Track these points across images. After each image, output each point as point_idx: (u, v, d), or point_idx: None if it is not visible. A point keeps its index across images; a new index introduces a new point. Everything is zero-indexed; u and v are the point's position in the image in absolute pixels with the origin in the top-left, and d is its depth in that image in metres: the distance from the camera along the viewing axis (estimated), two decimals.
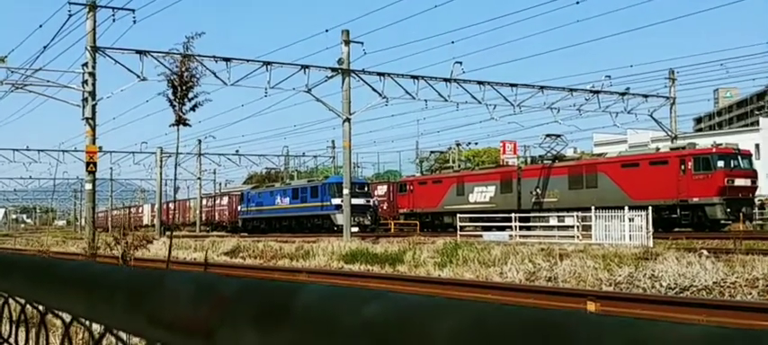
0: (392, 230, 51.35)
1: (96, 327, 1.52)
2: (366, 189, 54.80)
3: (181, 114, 13.28)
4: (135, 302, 1.25)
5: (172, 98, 13.34)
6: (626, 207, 28.06)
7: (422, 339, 0.66)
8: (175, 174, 22.65)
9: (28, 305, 1.94)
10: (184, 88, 13.28)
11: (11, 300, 2.07)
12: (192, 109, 13.57)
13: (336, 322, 0.77)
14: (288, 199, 58.11)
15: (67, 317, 1.66)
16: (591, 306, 11.81)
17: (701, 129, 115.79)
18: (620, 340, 0.53)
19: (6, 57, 34.31)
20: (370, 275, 19.70)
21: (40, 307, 1.84)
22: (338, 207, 49.09)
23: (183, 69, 13.43)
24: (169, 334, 1.12)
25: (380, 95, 38.29)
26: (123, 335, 1.40)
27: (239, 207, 66.55)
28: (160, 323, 1.14)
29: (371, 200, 53.79)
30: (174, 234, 23.20)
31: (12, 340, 2.06)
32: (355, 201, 49.15)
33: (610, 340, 0.53)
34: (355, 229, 48.27)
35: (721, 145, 36.62)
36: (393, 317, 0.71)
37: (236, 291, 0.97)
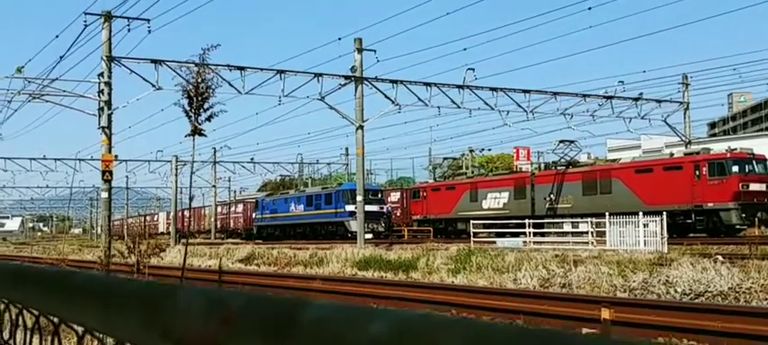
0: (405, 236, 51.30)
1: (109, 340, 1.54)
2: (380, 195, 54.82)
3: (196, 124, 13.33)
4: (148, 316, 1.26)
5: (187, 108, 13.40)
6: (640, 213, 27.93)
7: None
8: (191, 183, 22.85)
9: (42, 317, 1.96)
10: (200, 99, 13.34)
11: (25, 312, 2.09)
12: (208, 119, 13.63)
13: (342, 338, 0.78)
14: (302, 206, 58.21)
15: (81, 329, 1.68)
16: (605, 313, 11.76)
17: (715, 134, 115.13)
18: None
19: (23, 67, 34.58)
20: (384, 282, 19.71)
21: (55, 319, 1.86)
22: (352, 214, 49.00)
23: (200, 80, 13.49)
24: None
25: (393, 102, 38.33)
26: None
27: (254, 215, 66.69)
28: (172, 338, 1.15)
29: (385, 207, 53.76)
30: (190, 241, 23.32)
31: None
32: (369, 208, 49.12)
33: None
34: (369, 236, 48.26)
35: (736, 149, 36.39)
36: (398, 334, 0.72)
37: (244, 305, 0.99)
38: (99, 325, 1.52)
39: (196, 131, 13.18)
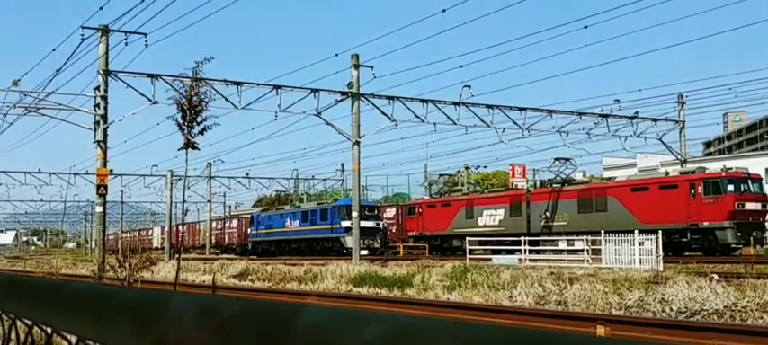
0: (401, 253, 51.21)
1: None
2: (376, 211, 54.74)
3: (189, 137, 13.33)
4: (141, 324, 1.25)
5: (180, 122, 13.40)
6: (636, 231, 27.95)
7: None
8: (184, 197, 22.82)
9: (35, 327, 1.95)
10: (193, 112, 13.35)
11: (18, 322, 2.08)
12: (201, 132, 13.64)
13: (337, 343, 0.77)
14: (297, 221, 58.12)
15: (74, 339, 1.67)
16: (600, 331, 11.74)
17: (710, 153, 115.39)
18: None
19: (20, 80, 34.57)
20: (379, 298, 19.64)
21: (48, 329, 1.85)
22: (348, 229, 48.86)
23: (193, 93, 13.50)
24: None
25: (390, 118, 38.38)
26: None
27: (249, 230, 66.59)
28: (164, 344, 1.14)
29: (381, 223, 53.66)
30: (184, 256, 23.28)
31: None
32: (365, 224, 49.01)
33: None
34: (365, 252, 48.12)
35: (731, 169, 36.49)
36: (392, 338, 0.71)
37: (237, 313, 0.98)
38: (92, 334, 1.51)
39: (189, 144, 13.18)
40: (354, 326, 0.76)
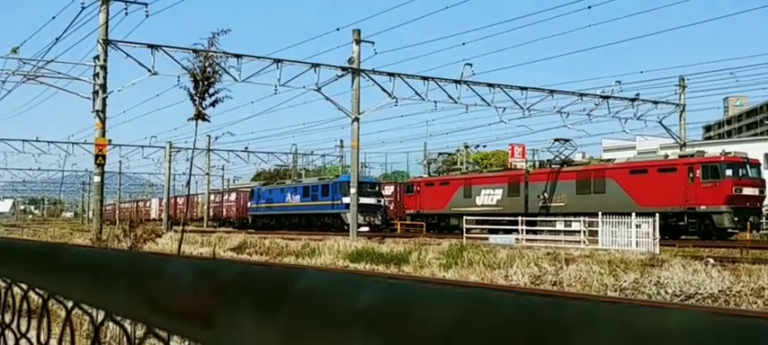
0: (398, 230, 51.29)
1: (99, 314, 1.52)
2: (377, 188, 54.61)
3: (200, 109, 13.29)
4: (136, 287, 1.25)
5: (192, 92, 13.36)
6: (633, 214, 27.99)
7: (418, 324, 0.66)
8: (191, 169, 22.92)
9: (31, 292, 1.95)
10: (206, 83, 13.30)
11: (14, 286, 2.08)
12: (212, 104, 13.61)
13: (333, 307, 0.77)
14: (298, 196, 57.92)
15: (70, 303, 1.66)
16: None
17: (710, 137, 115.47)
18: (614, 326, 0.53)
19: (18, 48, 34.47)
20: (375, 274, 19.70)
21: (44, 293, 1.84)
22: (349, 206, 48.91)
23: (207, 64, 13.45)
24: (169, 320, 1.12)
25: (390, 95, 38.31)
26: (125, 322, 1.40)
27: (249, 204, 66.35)
28: (160, 309, 1.14)
29: (382, 200, 53.51)
30: (180, 229, 23.23)
31: (14, 326, 2.07)
32: (366, 201, 48.97)
33: (604, 326, 0.53)
34: (365, 229, 48.12)
35: (730, 153, 36.49)
36: (389, 303, 0.71)
37: (235, 277, 0.98)
38: (88, 298, 1.50)
39: (200, 116, 13.14)
40: (352, 290, 0.76)
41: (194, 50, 14.89)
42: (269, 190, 63.87)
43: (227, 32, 14.43)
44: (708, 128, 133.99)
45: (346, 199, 49.28)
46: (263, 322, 0.86)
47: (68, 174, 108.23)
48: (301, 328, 0.80)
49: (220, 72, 14.01)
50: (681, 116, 47.18)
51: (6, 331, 2.10)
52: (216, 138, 72.31)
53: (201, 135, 72.11)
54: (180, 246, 13.02)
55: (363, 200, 49.85)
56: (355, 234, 35.59)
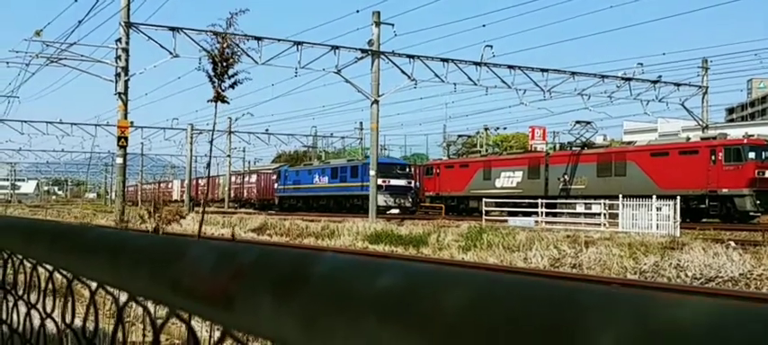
0: (417, 212, 51.25)
1: (122, 295, 1.55)
2: (408, 169, 53.55)
3: (220, 90, 13.35)
4: (159, 270, 1.27)
5: (211, 74, 13.42)
6: (654, 196, 27.84)
7: (434, 308, 0.67)
8: (211, 150, 23.15)
9: (56, 273, 1.98)
10: (225, 65, 13.35)
11: (39, 267, 2.11)
12: (232, 86, 13.66)
13: (351, 291, 0.78)
14: (327, 178, 56.93)
15: (93, 285, 1.70)
16: None
17: (732, 120, 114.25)
18: (631, 314, 0.53)
19: (42, 30, 34.74)
20: (394, 256, 19.77)
21: (68, 274, 1.88)
22: (378, 187, 48.52)
23: (225, 46, 13.49)
24: (191, 302, 1.14)
25: (409, 77, 38.26)
26: (147, 303, 1.43)
27: (275, 185, 65.84)
28: (182, 291, 1.16)
29: (412, 182, 52.60)
30: (201, 210, 23.40)
31: (40, 306, 2.11)
32: (396, 182, 48.83)
33: (622, 312, 0.53)
34: (396, 211, 48.04)
35: (753, 136, 36.16)
36: (406, 287, 0.72)
37: (255, 259, 0.99)
38: (111, 279, 1.53)
39: (219, 97, 13.20)
40: (370, 274, 0.77)
41: (214, 33, 14.95)
42: (296, 171, 63.07)
43: (246, 12, 14.46)
44: (730, 111, 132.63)
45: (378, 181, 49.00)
46: (281, 305, 0.88)
47: (92, 155, 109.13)
48: (318, 311, 0.81)
49: (239, 53, 14.04)
50: (703, 98, 46.77)
51: (32, 311, 2.14)
52: (235, 120, 72.61)
53: (222, 117, 72.46)
54: (200, 228, 13.11)
55: (394, 182, 49.57)
56: (374, 216, 35.66)
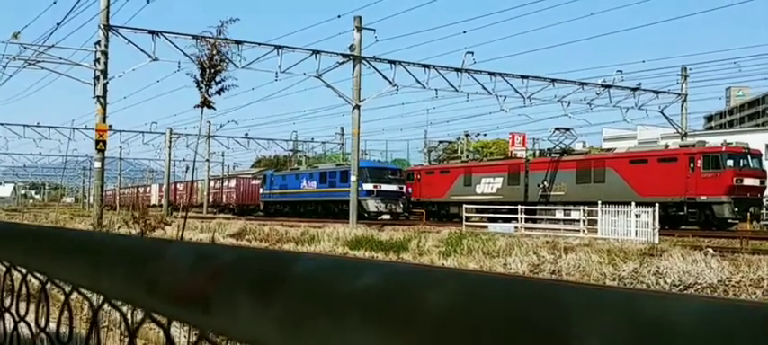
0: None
1: (98, 297, 1.53)
2: (399, 175, 52.33)
3: (206, 96, 13.32)
4: (134, 271, 1.25)
5: (199, 79, 13.38)
6: (633, 203, 28.00)
7: (416, 308, 0.65)
8: (195, 156, 23.05)
9: (30, 275, 1.95)
10: (213, 71, 13.32)
11: (13, 270, 2.08)
12: (218, 92, 13.64)
13: (331, 291, 0.76)
14: (315, 182, 55.69)
15: (69, 287, 1.66)
16: None
17: (711, 128, 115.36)
18: (616, 312, 0.53)
19: (20, 33, 34.40)
20: (375, 262, 19.71)
21: (42, 277, 1.84)
22: (370, 192, 47.82)
23: (214, 52, 13.46)
24: (167, 304, 1.12)
25: (391, 83, 38.26)
26: (123, 307, 1.40)
27: (261, 190, 64.51)
28: (158, 293, 1.14)
29: (404, 187, 51.52)
30: (181, 215, 23.30)
31: (13, 309, 2.07)
32: (388, 188, 48.35)
33: (606, 311, 0.53)
34: (387, 216, 47.69)
35: (731, 144, 36.46)
36: (387, 287, 0.70)
37: (233, 261, 0.97)
38: (87, 282, 1.50)
39: (205, 103, 13.16)
40: (350, 274, 0.75)
41: (194, 37, 14.93)
42: (283, 175, 61.92)
43: (236, 21, 14.47)
44: (709, 119, 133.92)
45: (367, 186, 47.56)
46: (259, 307, 0.86)
47: (69, 159, 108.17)
48: (298, 312, 0.80)
49: (227, 61, 14.04)
50: (682, 106, 47.14)
51: (5, 314, 2.10)
52: (220, 126, 72.22)
53: (203, 121, 71.92)
54: (182, 232, 13.04)
55: (385, 187, 48.92)
56: (355, 221, 35.60)
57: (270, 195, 62.14)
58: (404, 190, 51.12)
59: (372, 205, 48.01)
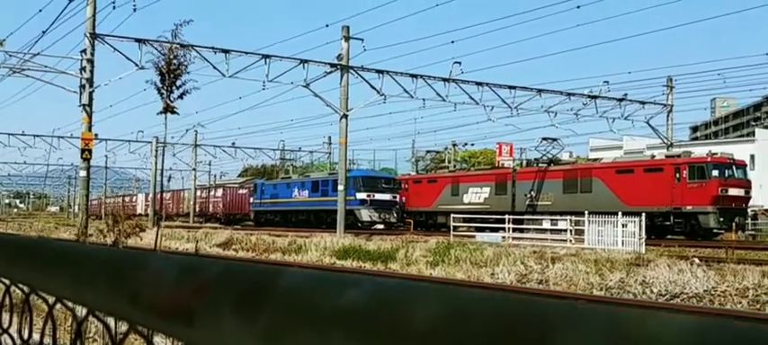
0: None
1: (82, 309, 1.51)
2: (393, 184, 51.54)
3: (169, 102, 13.26)
4: (118, 284, 1.24)
5: (160, 85, 13.31)
6: (619, 213, 28.09)
7: (402, 323, 0.65)
8: (163, 163, 23.16)
9: (13, 287, 1.93)
10: (172, 76, 13.24)
11: None
12: (180, 96, 13.56)
13: (316, 306, 0.76)
14: (307, 191, 54.74)
15: (52, 299, 1.65)
16: None
17: (696, 138, 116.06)
18: (600, 329, 0.53)
19: (5, 40, 34.24)
20: (362, 272, 19.70)
21: (25, 288, 1.83)
22: (363, 202, 47.38)
23: (171, 57, 13.39)
24: (150, 316, 1.11)
25: (378, 93, 38.28)
26: (107, 318, 1.39)
27: (251, 199, 63.73)
28: (142, 306, 1.13)
29: (398, 196, 50.70)
30: (167, 224, 23.26)
31: None
32: (382, 197, 47.86)
33: (590, 328, 0.53)
34: (381, 226, 47.30)
35: (716, 154, 36.68)
36: (373, 302, 0.70)
37: (217, 274, 0.97)
38: (70, 294, 1.49)
39: (168, 109, 13.09)
40: (336, 288, 0.75)
41: (181, 45, 14.86)
42: (273, 184, 60.93)
43: (190, 23, 14.39)
44: (695, 129, 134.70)
45: (360, 195, 47.28)
46: (244, 321, 0.85)
47: (54, 168, 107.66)
48: (282, 327, 0.79)
49: (187, 63, 13.95)
50: (668, 116, 47.38)
51: None
52: (186, 131, 71.74)
53: (184, 128, 71.67)
54: (157, 241, 12.96)
55: (379, 196, 48.28)
56: (342, 231, 35.54)
57: (261, 204, 61.26)
58: (398, 200, 50.48)
59: (366, 214, 47.57)
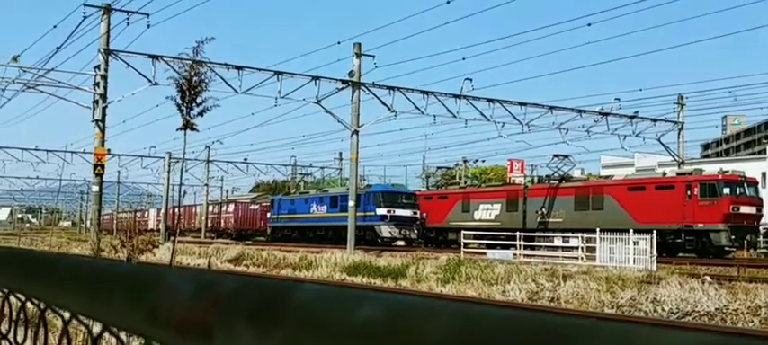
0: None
1: (96, 325, 1.52)
2: (413, 200, 50.55)
3: (188, 118, 13.31)
4: (134, 299, 1.25)
5: (180, 102, 13.37)
6: (631, 231, 27.97)
7: (414, 339, 0.66)
8: (181, 179, 23.22)
9: (28, 302, 1.94)
10: (192, 93, 13.31)
11: (11, 296, 2.07)
12: (200, 114, 13.62)
13: (330, 321, 0.77)
14: (325, 207, 53.73)
15: (67, 314, 1.66)
16: None
17: (708, 155, 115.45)
18: (613, 343, 0.53)
19: (19, 56, 34.51)
20: (373, 288, 19.67)
21: (40, 304, 1.84)
22: (383, 217, 46.73)
23: (193, 74, 13.46)
24: (167, 332, 1.12)
25: (389, 109, 38.35)
26: (122, 333, 1.40)
27: (268, 215, 62.80)
28: (158, 321, 1.14)
29: (418, 212, 49.64)
30: (179, 239, 23.31)
31: (10, 337, 2.06)
32: (402, 212, 47.34)
33: (603, 342, 0.53)
34: (401, 242, 46.86)
35: (728, 172, 36.52)
36: (386, 317, 0.71)
37: (233, 289, 0.98)
38: (85, 309, 1.50)
39: (188, 125, 13.15)
40: (350, 305, 0.76)
41: (194, 61, 14.94)
42: (291, 200, 60.03)
43: (212, 40, 14.48)
44: (706, 147, 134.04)
45: (380, 211, 46.60)
46: (260, 336, 0.86)
47: (67, 183, 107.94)
48: (298, 342, 0.80)
49: (207, 80, 14.02)
50: (679, 134, 47.23)
51: (3, 341, 2.10)
52: (205, 148, 72.02)
53: (199, 144, 71.94)
54: (172, 256, 12.99)
55: (399, 212, 47.58)
56: (353, 247, 35.51)
57: (278, 219, 60.13)
58: (418, 215, 49.43)
59: (386, 230, 46.89)
